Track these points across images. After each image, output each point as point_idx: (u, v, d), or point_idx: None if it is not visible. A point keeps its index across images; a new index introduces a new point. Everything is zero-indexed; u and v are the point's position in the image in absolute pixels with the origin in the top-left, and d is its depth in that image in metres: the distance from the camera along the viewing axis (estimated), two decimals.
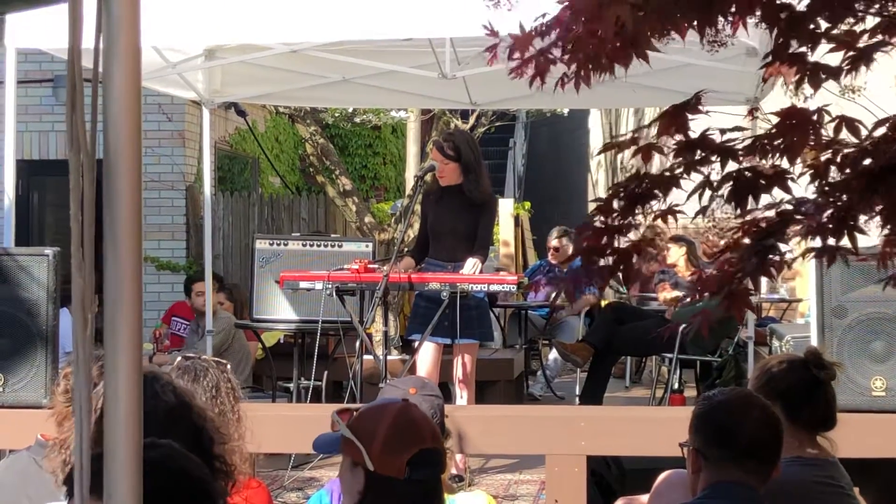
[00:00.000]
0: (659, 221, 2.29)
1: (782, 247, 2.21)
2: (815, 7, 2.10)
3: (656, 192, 2.20)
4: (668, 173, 2.21)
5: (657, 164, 2.49)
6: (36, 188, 11.93)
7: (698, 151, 2.19)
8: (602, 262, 2.29)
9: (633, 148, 2.25)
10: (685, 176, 2.20)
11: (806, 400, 3.19)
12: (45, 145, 11.66)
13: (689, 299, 2.43)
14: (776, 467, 2.85)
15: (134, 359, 1.46)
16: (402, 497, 2.52)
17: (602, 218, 2.25)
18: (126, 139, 1.45)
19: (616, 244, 2.26)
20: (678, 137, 2.20)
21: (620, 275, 2.28)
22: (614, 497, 4.36)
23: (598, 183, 16.76)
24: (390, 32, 6.03)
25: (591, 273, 2.27)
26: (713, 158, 2.18)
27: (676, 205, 2.29)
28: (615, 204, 2.23)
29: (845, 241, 2.15)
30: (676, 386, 8.15)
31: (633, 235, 2.32)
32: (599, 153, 7.42)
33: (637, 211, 2.22)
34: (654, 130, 2.27)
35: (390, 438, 2.53)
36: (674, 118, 2.20)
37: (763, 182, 2.16)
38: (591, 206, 2.31)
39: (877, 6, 2.13)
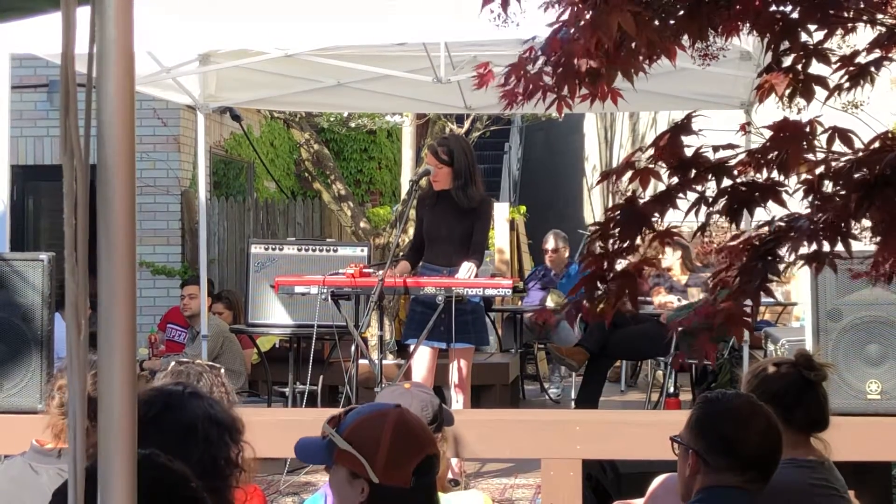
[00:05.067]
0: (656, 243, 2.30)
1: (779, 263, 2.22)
2: (806, 14, 2.11)
3: (653, 212, 2.21)
4: (662, 195, 2.22)
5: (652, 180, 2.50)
6: (31, 193, 11.92)
7: (692, 171, 2.19)
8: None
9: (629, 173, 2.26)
10: (681, 195, 2.21)
11: (798, 402, 3.20)
12: (39, 150, 11.65)
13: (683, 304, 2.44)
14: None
15: (128, 364, 1.46)
16: None
17: (601, 243, 2.26)
18: (120, 144, 1.45)
19: (616, 267, 2.27)
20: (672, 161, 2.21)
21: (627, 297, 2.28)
22: (610, 501, 4.37)
23: (594, 187, 16.77)
24: (385, 37, 6.04)
25: (594, 298, 2.28)
26: (707, 177, 2.18)
27: (675, 226, 2.30)
28: (612, 228, 2.24)
29: (837, 247, 2.15)
30: (672, 390, 8.16)
31: (632, 257, 2.33)
32: (597, 183, 7.44)
33: (636, 233, 2.22)
34: (648, 152, 2.28)
35: (394, 450, 2.52)
36: (668, 144, 2.21)
37: (758, 195, 2.16)
38: (588, 216, 2.35)
39: (866, 16, 2.14)
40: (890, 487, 5.22)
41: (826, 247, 2.13)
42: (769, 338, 6.89)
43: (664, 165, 2.22)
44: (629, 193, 2.26)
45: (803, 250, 2.16)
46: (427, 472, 2.54)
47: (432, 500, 2.59)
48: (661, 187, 2.27)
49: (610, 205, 13.10)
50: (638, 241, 2.24)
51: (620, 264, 2.30)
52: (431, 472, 2.56)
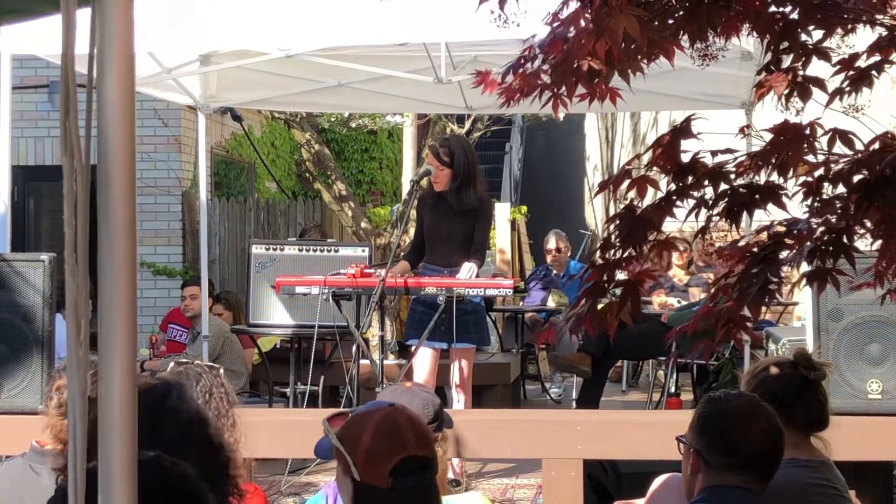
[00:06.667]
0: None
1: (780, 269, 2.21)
2: (806, 15, 2.11)
3: (653, 220, 2.21)
4: (662, 202, 2.22)
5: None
6: (32, 194, 11.93)
7: (690, 177, 2.19)
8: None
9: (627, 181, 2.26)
10: (679, 203, 2.21)
11: (798, 401, 3.19)
12: (40, 151, 11.66)
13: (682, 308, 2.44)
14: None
15: (129, 365, 1.46)
16: None
17: (602, 254, 2.26)
18: (120, 144, 1.45)
19: (618, 277, 2.27)
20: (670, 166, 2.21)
21: (630, 307, 2.28)
22: (611, 501, 4.36)
23: (594, 187, 16.76)
24: (386, 37, 6.03)
25: (595, 317, 2.28)
26: (705, 182, 2.18)
27: (674, 237, 2.30)
28: (613, 238, 2.25)
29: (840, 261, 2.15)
30: (673, 390, 8.16)
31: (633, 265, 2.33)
32: (596, 194, 7.45)
33: (637, 242, 2.22)
34: (646, 157, 2.28)
35: (373, 447, 2.47)
36: (666, 149, 2.21)
37: (758, 197, 2.16)
38: (589, 215, 2.35)
39: (865, 17, 2.14)
40: (891, 487, 5.22)
41: (829, 262, 2.13)
42: (770, 337, 6.88)
43: (662, 172, 2.22)
44: (628, 201, 2.26)
45: (805, 267, 2.16)
46: (407, 474, 2.44)
47: (423, 503, 2.50)
48: (661, 192, 2.27)
49: (611, 205, 13.10)
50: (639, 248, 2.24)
51: (621, 274, 2.30)
52: (413, 475, 2.45)
